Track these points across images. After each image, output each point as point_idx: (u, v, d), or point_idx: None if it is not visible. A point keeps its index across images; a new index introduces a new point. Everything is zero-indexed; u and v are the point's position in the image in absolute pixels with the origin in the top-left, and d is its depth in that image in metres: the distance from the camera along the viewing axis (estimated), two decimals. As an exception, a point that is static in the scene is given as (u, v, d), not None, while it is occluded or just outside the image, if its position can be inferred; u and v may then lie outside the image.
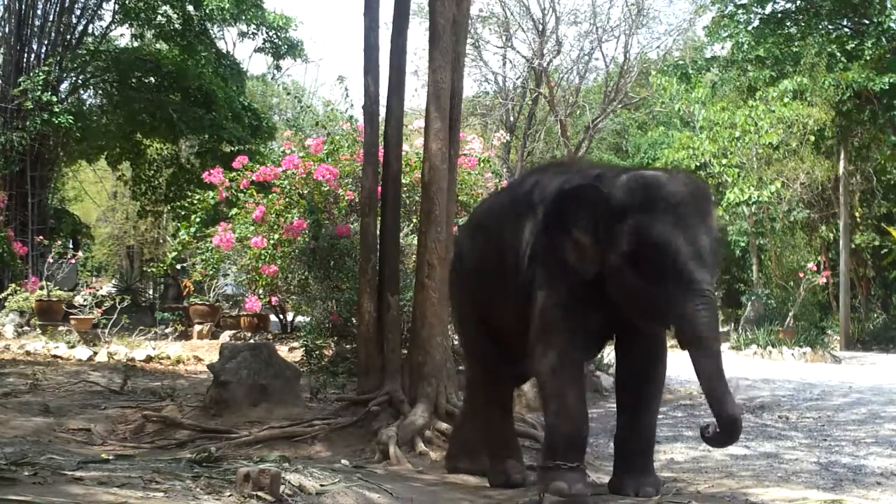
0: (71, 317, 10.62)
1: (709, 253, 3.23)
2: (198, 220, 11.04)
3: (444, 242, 5.14)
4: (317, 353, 8.26)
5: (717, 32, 17.96)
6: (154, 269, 14.27)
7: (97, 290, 12.50)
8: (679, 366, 11.32)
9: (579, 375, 3.52)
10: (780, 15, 17.33)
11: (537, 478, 3.54)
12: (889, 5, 15.65)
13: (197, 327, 11.55)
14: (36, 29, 14.04)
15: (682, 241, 3.18)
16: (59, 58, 13.75)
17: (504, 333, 3.87)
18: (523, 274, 3.57)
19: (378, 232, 5.53)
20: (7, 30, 13.95)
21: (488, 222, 3.99)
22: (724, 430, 3.21)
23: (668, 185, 3.31)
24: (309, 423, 5.08)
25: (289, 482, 3.10)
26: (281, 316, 12.56)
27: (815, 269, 14.35)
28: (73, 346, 9.39)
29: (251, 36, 16.85)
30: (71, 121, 12.97)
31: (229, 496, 2.88)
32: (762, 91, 15.25)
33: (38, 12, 14.13)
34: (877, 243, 17.74)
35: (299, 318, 11.93)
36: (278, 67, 20.34)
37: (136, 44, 16.11)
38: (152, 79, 14.96)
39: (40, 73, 13.09)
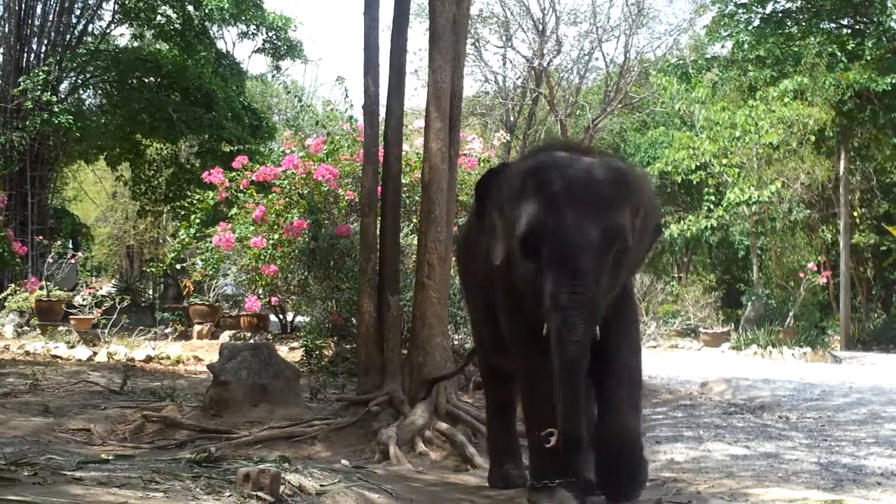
0: (70, 317, 10.62)
1: (598, 246, 2.87)
2: (198, 220, 11.04)
3: (444, 242, 5.14)
4: (317, 353, 8.26)
5: (717, 32, 17.96)
6: (154, 270, 14.27)
7: (97, 290, 12.49)
8: (679, 366, 11.32)
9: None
10: (780, 14, 17.32)
11: (527, 499, 3.33)
12: (890, 5, 15.66)
13: (197, 327, 11.55)
14: (36, 29, 14.04)
15: (563, 232, 2.87)
16: (58, 58, 13.75)
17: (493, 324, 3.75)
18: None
19: (378, 232, 5.53)
20: (7, 29, 13.95)
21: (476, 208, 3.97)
22: (563, 447, 2.94)
23: (562, 169, 3.01)
24: (309, 423, 5.08)
25: (289, 482, 3.09)
26: (281, 316, 12.56)
27: (815, 269, 14.35)
28: (72, 347, 9.39)
29: (251, 36, 16.86)
30: (71, 121, 12.98)
31: (229, 496, 2.87)
32: (762, 91, 15.24)
33: (38, 12, 14.14)
34: (874, 241, 17.76)
35: (299, 318, 11.93)
36: (278, 68, 20.35)
37: (135, 44, 16.11)
38: (152, 79, 14.97)
39: (40, 73, 13.09)
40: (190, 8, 14.77)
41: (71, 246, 14.40)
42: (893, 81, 14.73)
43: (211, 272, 10.58)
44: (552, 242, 2.88)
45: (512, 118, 22.04)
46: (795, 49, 16.16)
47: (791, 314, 13.79)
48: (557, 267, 2.86)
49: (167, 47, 15.35)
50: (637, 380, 3.35)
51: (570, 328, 2.83)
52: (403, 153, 6.56)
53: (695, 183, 16.55)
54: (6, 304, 11.25)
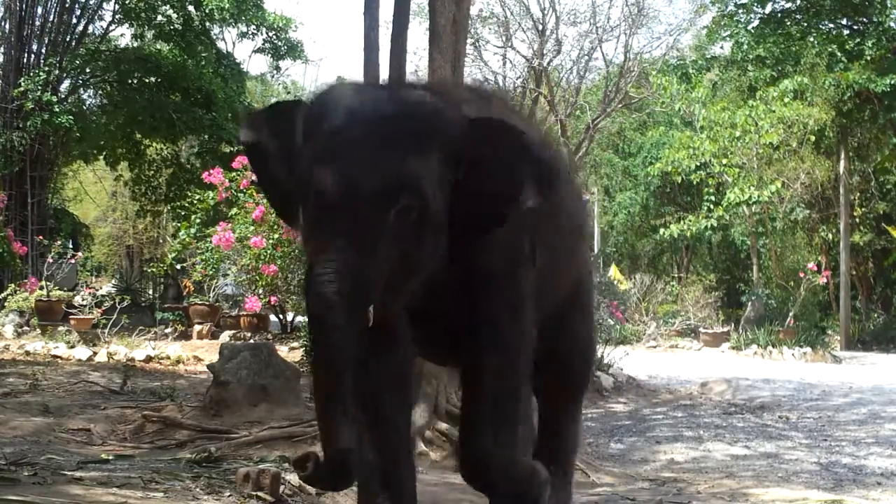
0: (70, 317, 10.61)
1: (366, 203, 2.08)
2: (198, 220, 11.04)
3: (444, 242, 5.13)
4: (317, 353, 8.23)
5: (717, 32, 17.97)
6: (154, 270, 14.27)
7: (97, 290, 12.50)
8: (679, 366, 11.31)
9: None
10: (780, 14, 17.34)
11: None
12: (889, 5, 15.67)
13: (197, 327, 11.54)
14: (36, 29, 14.05)
15: (320, 187, 2.11)
16: (59, 58, 13.76)
17: None
18: None
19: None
20: (7, 30, 13.97)
21: None
22: (326, 467, 2.09)
23: (335, 106, 2.23)
24: (309, 423, 5.06)
25: (289, 482, 3.10)
26: (281, 316, 12.56)
27: (815, 269, 14.36)
28: (72, 347, 9.39)
29: (251, 36, 16.88)
30: (71, 121, 13.00)
31: (229, 496, 2.88)
32: (762, 91, 15.26)
33: (39, 12, 14.15)
34: (872, 240, 17.77)
35: (299, 318, 11.93)
36: (278, 68, 20.38)
37: (136, 44, 16.12)
38: (152, 79, 14.98)
39: (40, 74, 13.11)
40: (190, 8, 14.78)
41: (71, 246, 14.40)
42: (893, 82, 14.74)
43: (211, 272, 10.58)
44: (310, 202, 2.16)
45: (512, 118, 22.00)
46: (795, 49, 16.17)
47: (791, 314, 13.79)
48: (314, 233, 2.18)
49: (167, 47, 15.35)
50: (508, 387, 2.49)
51: (322, 312, 2.10)
52: (403, 153, 6.54)
53: (695, 183, 16.57)
54: (6, 304, 11.25)
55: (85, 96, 15.93)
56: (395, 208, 2.12)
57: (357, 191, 2.10)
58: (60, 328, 10.32)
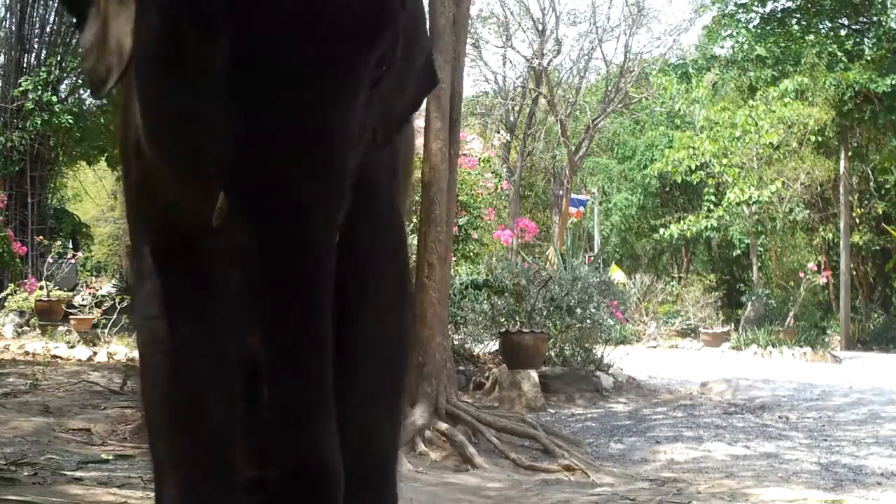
0: (71, 317, 10.61)
1: (359, 26, 1.27)
2: (198, 220, 11.05)
3: (444, 242, 5.14)
4: (317, 353, 8.23)
5: (717, 32, 17.97)
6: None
7: (97, 290, 12.47)
8: (679, 366, 11.32)
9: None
10: (780, 14, 17.34)
11: None
12: (889, 4, 15.67)
13: (197, 327, 11.54)
14: (36, 29, 14.08)
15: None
16: (59, 58, 13.78)
17: None
18: None
19: (378, 232, 5.49)
20: (8, 30, 13.99)
21: None
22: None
23: None
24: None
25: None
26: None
27: (815, 269, 14.37)
28: (72, 346, 9.39)
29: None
30: (71, 121, 13.02)
31: (229, 496, 2.87)
32: (763, 91, 15.27)
33: (39, 12, 14.17)
34: (872, 240, 17.78)
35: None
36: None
37: (136, 44, 16.13)
38: (152, 79, 14.98)
39: (41, 74, 13.13)
40: (190, 8, 14.80)
41: (71, 246, 14.40)
42: (893, 82, 14.74)
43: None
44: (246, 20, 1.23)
45: (512, 118, 22.06)
46: (795, 49, 16.17)
47: (791, 314, 13.79)
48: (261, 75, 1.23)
49: (167, 47, 15.35)
50: (401, 368, 1.72)
51: (299, 222, 1.24)
52: (403, 153, 6.54)
53: (695, 183, 16.57)
54: (6, 304, 11.25)
55: (85, 96, 15.93)
56: (375, 55, 1.27)
57: (332, 18, 1.21)
58: (60, 328, 10.31)
